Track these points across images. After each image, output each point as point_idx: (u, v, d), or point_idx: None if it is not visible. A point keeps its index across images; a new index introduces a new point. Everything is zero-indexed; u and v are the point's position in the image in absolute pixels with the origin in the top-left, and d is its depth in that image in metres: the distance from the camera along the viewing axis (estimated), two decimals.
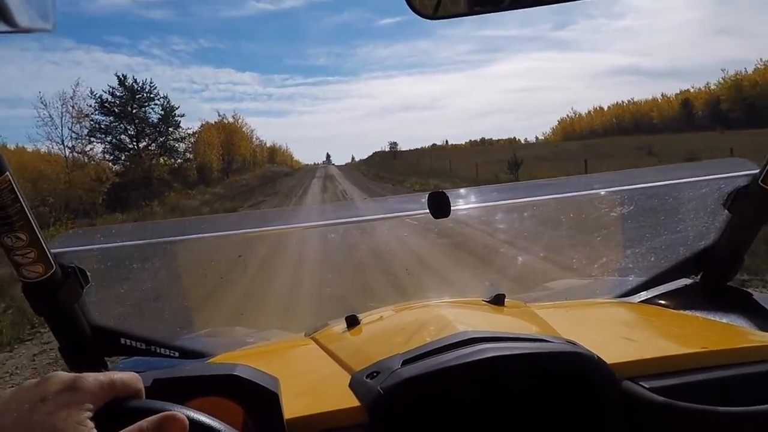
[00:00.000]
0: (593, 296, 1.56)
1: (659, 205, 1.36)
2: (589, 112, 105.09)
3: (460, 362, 0.79)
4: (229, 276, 5.52)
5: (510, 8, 0.68)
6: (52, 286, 0.94)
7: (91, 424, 0.49)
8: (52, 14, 0.38)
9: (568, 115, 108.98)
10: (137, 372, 0.76)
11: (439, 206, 1.09)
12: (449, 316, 1.06)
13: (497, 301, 1.25)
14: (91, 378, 0.52)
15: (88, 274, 1.03)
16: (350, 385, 0.87)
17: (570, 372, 0.84)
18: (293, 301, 4.43)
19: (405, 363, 0.83)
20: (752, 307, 1.22)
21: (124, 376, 0.55)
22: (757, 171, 1.15)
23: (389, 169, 44.17)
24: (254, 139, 73.57)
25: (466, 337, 0.86)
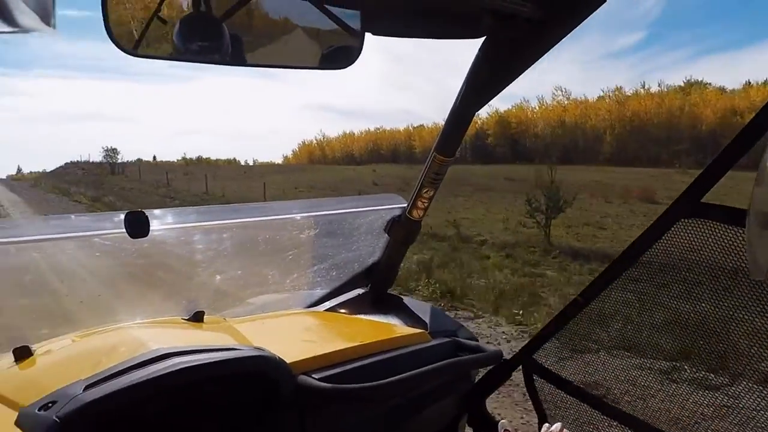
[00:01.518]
0: (287, 308, 1.75)
1: (338, 229, 1.63)
2: (338, 137, 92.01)
3: (149, 377, 0.82)
4: None
5: (204, 61, 0.76)
6: None
7: None
8: (52, 14, 0.38)
9: (316, 138, 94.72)
10: None
11: (137, 226, 1.09)
12: (143, 336, 1.06)
13: (196, 318, 1.30)
14: None
15: None
16: (17, 422, 0.79)
17: (256, 374, 0.96)
18: None
19: (88, 387, 0.81)
20: (402, 308, 1.59)
21: None
22: (406, 204, 1.51)
23: (121, 191, 26.97)
24: None
25: (157, 354, 0.89)
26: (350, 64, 0.82)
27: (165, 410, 0.89)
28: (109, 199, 21.39)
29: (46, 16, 0.40)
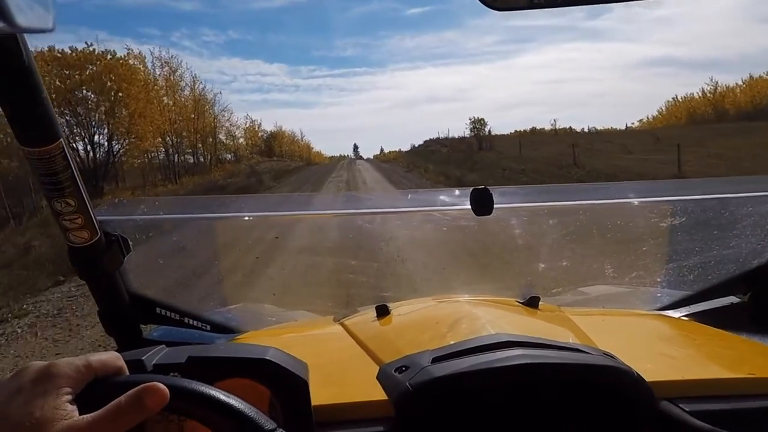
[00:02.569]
0: (631, 306, 1.50)
1: (714, 218, 1.29)
2: (742, 84, 56.76)
3: (492, 366, 0.78)
4: (265, 256, 5.62)
5: (571, 4, 0.64)
6: (96, 252, 0.97)
7: (71, 407, 0.49)
8: (52, 14, 0.37)
9: (704, 89, 60.43)
10: (169, 343, 0.78)
11: (482, 203, 1.07)
12: (482, 315, 1.04)
13: (531, 303, 1.22)
14: (65, 363, 0.53)
15: (130, 243, 1.06)
16: (378, 378, 0.86)
17: (605, 386, 0.81)
18: (324, 285, 4.48)
19: (435, 360, 0.82)
20: None
21: (103, 356, 0.56)
22: None
23: (516, 176, 18.67)
24: (230, 116, 42.68)
25: (499, 340, 0.84)
26: None
27: (502, 402, 0.84)
28: None
29: (46, 16, 0.38)
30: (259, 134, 58.53)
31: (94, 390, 0.53)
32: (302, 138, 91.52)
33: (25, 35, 0.65)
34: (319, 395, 0.76)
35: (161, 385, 0.51)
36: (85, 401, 0.51)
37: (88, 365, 0.54)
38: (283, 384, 0.71)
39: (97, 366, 0.54)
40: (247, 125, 53.71)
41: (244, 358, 0.71)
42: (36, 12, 0.36)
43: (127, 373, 0.57)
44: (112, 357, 0.57)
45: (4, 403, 0.49)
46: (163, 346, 0.74)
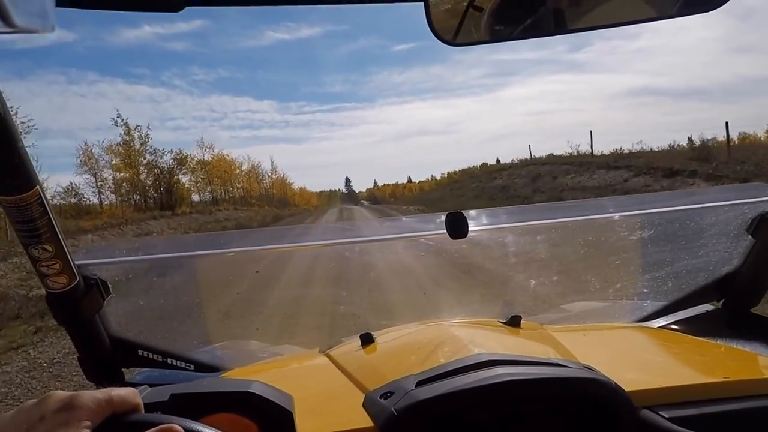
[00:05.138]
0: (610, 320, 1.53)
1: (680, 229, 1.34)
2: None
3: (475, 385, 0.79)
4: (246, 291, 5.55)
5: (528, 36, 0.68)
6: (75, 297, 0.96)
7: None
8: (51, 15, 0.37)
9: None
10: (152, 384, 0.77)
11: (457, 227, 1.09)
12: (464, 337, 1.05)
13: (513, 322, 1.24)
14: (88, 395, 0.53)
15: (110, 286, 1.05)
16: (364, 405, 0.86)
17: (586, 398, 0.83)
18: (308, 317, 4.43)
19: (419, 384, 0.82)
20: None
21: (122, 392, 0.56)
22: None
23: None
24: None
25: (481, 360, 0.86)
26: (724, 2, 0.61)
27: (488, 421, 0.85)
28: None
29: (46, 16, 0.37)
30: (144, 162, 28.39)
31: (111, 425, 0.53)
32: (273, 170, 59.44)
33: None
34: (306, 426, 0.76)
35: (178, 427, 0.52)
36: None
37: (109, 400, 0.54)
38: (268, 417, 0.71)
39: (117, 401, 0.55)
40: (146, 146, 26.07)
41: (228, 392, 0.71)
42: (35, 12, 0.35)
43: (143, 412, 0.57)
44: (131, 393, 0.57)
45: (27, 430, 0.49)
46: (146, 386, 0.74)
